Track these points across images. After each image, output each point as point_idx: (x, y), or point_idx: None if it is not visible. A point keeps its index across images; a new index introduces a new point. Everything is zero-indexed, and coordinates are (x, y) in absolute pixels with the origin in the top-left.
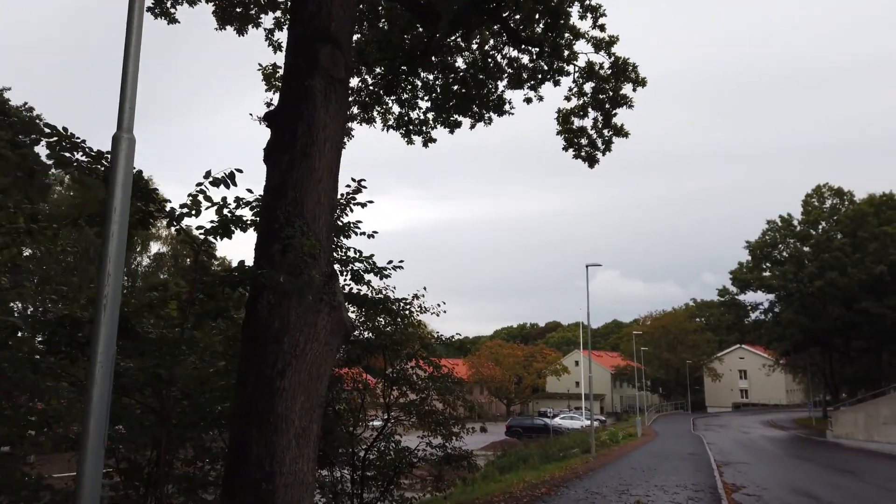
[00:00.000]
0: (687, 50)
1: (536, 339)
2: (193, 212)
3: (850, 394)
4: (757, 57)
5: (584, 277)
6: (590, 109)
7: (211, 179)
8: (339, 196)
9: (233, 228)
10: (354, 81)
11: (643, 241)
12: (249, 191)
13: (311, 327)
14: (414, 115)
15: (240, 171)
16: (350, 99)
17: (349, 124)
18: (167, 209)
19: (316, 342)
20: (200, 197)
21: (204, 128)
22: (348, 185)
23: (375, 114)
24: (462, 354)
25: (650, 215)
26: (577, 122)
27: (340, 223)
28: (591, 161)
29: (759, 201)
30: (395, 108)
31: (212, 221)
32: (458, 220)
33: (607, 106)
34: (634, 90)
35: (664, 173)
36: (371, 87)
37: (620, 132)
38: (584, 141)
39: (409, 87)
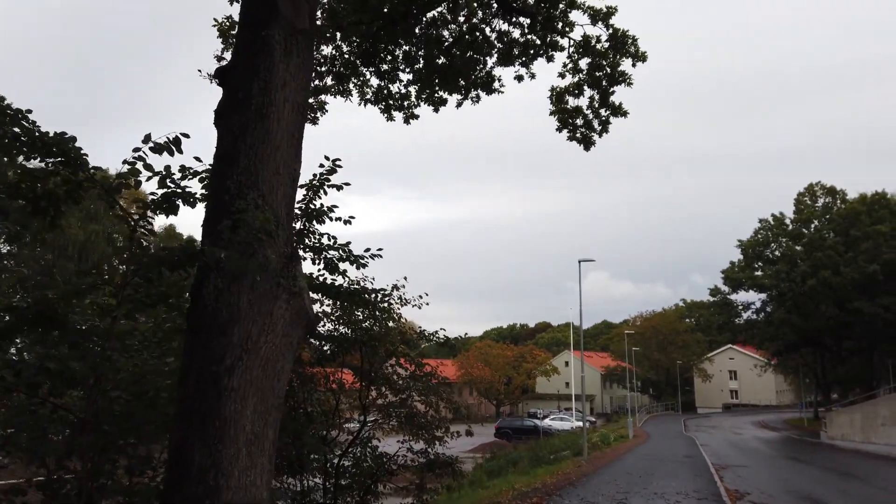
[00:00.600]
0: (678, 50)
1: (526, 339)
2: (131, 182)
3: (841, 394)
4: (748, 58)
5: (574, 278)
6: (585, 87)
7: (151, 145)
8: (312, 178)
9: (178, 203)
10: (328, 49)
11: (633, 241)
12: (198, 159)
13: (266, 316)
14: (394, 88)
15: (186, 135)
16: (324, 68)
17: (322, 97)
18: (100, 180)
19: (272, 334)
20: (140, 165)
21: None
22: (321, 165)
23: (352, 86)
24: (452, 355)
25: (640, 216)
26: (571, 102)
27: (313, 207)
28: (587, 143)
29: (749, 202)
30: (374, 81)
31: (152, 194)
32: (448, 219)
33: (604, 83)
34: (634, 65)
35: (654, 174)
36: (347, 56)
37: (618, 111)
38: (579, 121)
39: (389, 57)
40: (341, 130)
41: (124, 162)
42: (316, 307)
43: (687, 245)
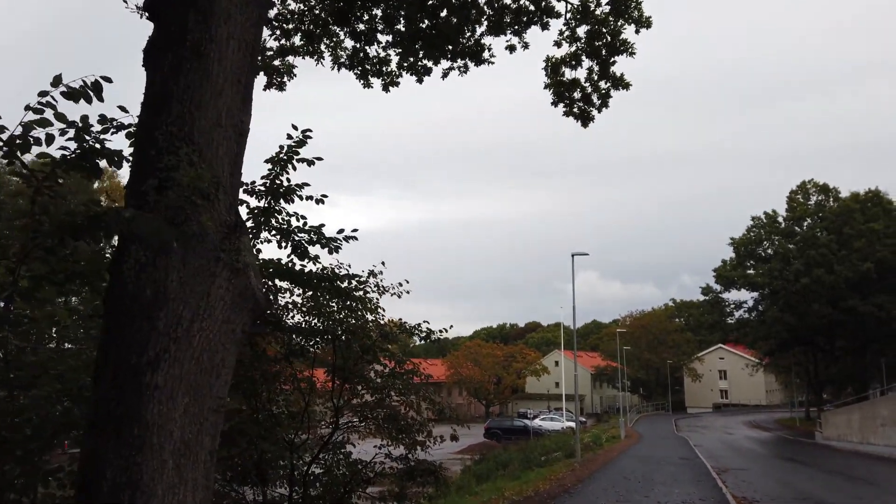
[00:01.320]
0: (667, 49)
1: (516, 339)
2: (40, 135)
3: (833, 394)
4: (738, 58)
5: (564, 278)
6: (584, 57)
7: (64, 89)
8: (279, 151)
9: (98, 162)
10: (295, 4)
11: (623, 242)
12: (123, 109)
13: (201, 298)
14: (372, 51)
15: (107, 79)
16: (291, 26)
17: (291, 59)
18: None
19: (208, 319)
20: (49, 114)
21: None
22: (289, 136)
23: (323, 47)
24: (441, 354)
25: (630, 216)
26: (568, 73)
27: (279, 183)
28: (585, 119)
29: (739, 204)
30: (349, 43)
31: (62, 149)
32: (440, 220)
33: (604, 53)
34: (637, 32)
35: (644, 175)
36: (317, 13)
37: (620, 83)
38: (576, 95)
39: (366, 16)
40: (334, 131)
41: (27, 108)
42: (285, 297)
43: (677, 246)
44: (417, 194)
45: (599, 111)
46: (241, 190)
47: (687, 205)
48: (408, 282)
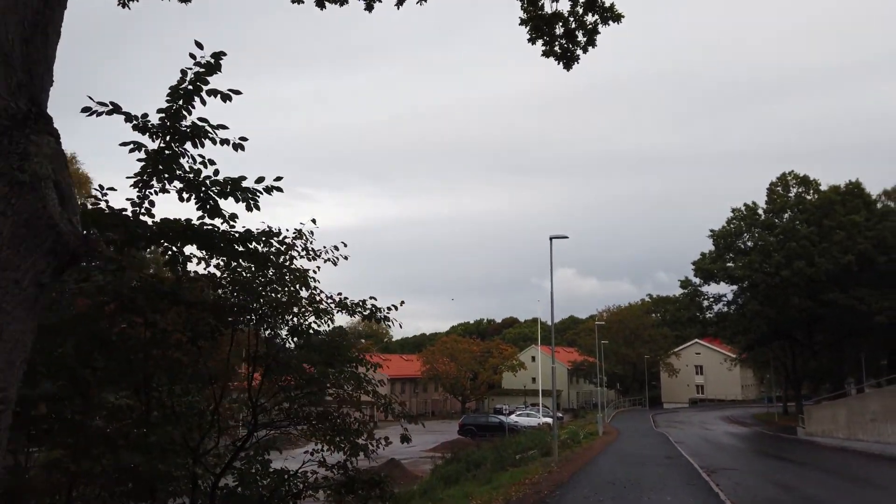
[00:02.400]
0: (647, 51)
1: (493, 335)
2: None
3: (811, 389)
4: (717, 59)
5: (542, 275)
6: None
7: None
8: (181, 77)
9: None
10: None
11: (600, 239)
12: None
13: None
14: None
15: None
16: None
17: None
18: None
19: None
20: None
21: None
22: (192, 57)
23: None
24: (386, 350)
25: (607, 214)
26: (548, 6)
27: (184, 118)
28: (568, 60)
29: (715, 202)
30: None
31: None
32: (416, 216)
33: None
34: None
35: (621, 173)
36: None
37: (610, 14)
38: (558, 30)
39: None
40: (311, 128)
41: None
42: (200, 268)
43: (652, 243)
44: (395, 190)
45: (585, 51)
46: (130, 125)
47: (663, 203)
48: (345, 244)
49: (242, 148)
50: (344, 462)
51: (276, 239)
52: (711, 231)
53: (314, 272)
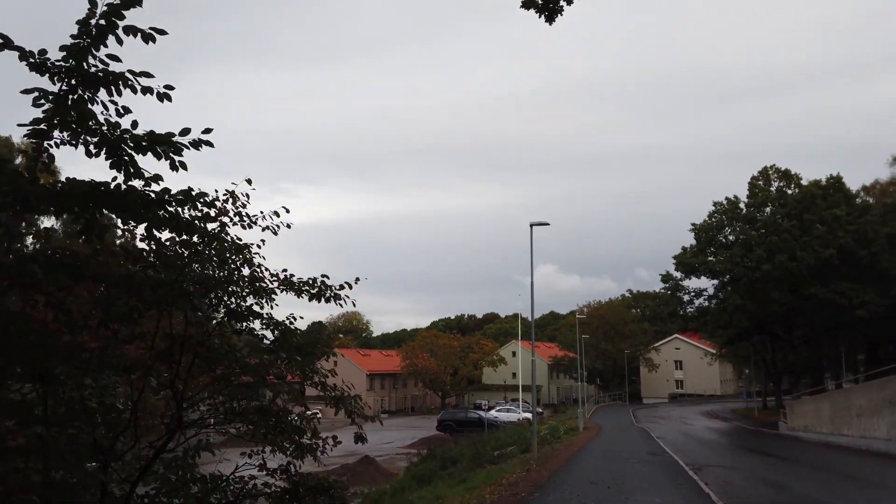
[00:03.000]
0: (627, 47)
1: (474, 330)
2: None
3: (791, 384)
4: (697, 56)
5: (523, 271)
6: None
7: None
8: (89, 10)
9: None
10: None
11: (581, 236)
12: None
13: None
14: None
15: None
16: None
17: None
18: None
19: None
20: None
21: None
22: None
23: None
24: (396, 346)
25: (588, 211)
26: None
27: (93, 61)
28: (551, 12)
29: (695, 199)
30: None
31: None
32: (398, 212)
33: None
34: None
35: (602, 171)
36: None
37: None
38: None
39: None
40: (290, 123)
41: None
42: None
43: (633, 240)
44: (377, 186)
45: (570, 2)
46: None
47: (644, 200)
48: (287, 210)
49: (169, 98)
50: (286, 466)
51: (203, 201)
52: (693, 225)
53: (258, 246)
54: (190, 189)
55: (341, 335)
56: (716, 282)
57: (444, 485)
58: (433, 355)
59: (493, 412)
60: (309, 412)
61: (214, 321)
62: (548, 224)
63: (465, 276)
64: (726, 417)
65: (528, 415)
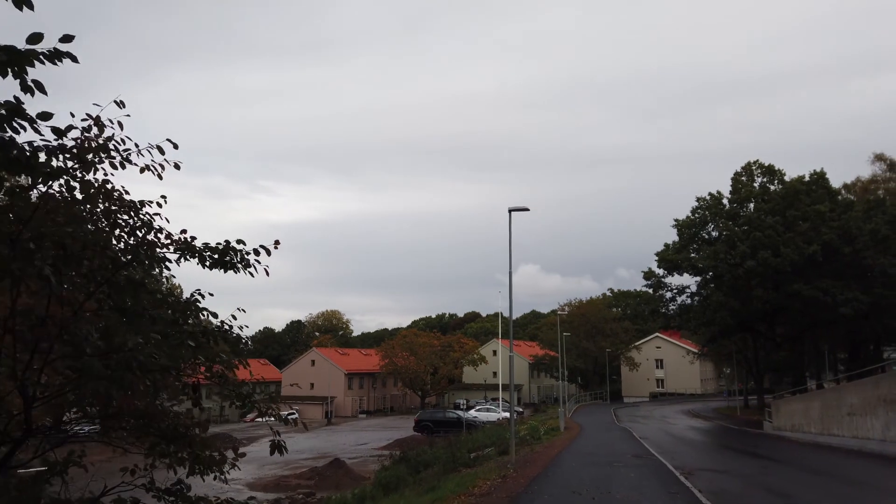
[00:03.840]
0: (608, 50)
1: (455, 329)
2: None
3: (774, 382)
4: (678, 59)
5: (504, 271)
6: None
7: None
8: None
9: None
10: None
11: (563, 237)
12: None
13: None
14: None
15: None
16: None
17: None
18: None
19: None
20: None
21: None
22: None
23: None
24: (376, 345)
25: (570, 212)
26: None
27: None
28: None
29: (676, 201)
30: None
31: None
32: (381, 211)
33: None
34: None
35: (584, 172)
36: None
37: None
38: None
39: None
40: (271, 120)
41: None
42: None
43: (614, 240)
44: (359, 184)
45: None
46: None
47: (625, 200)
48: (176, 146)
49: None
50: (176, 485)
51: (53, 129)
52: (676, 220)
53: (159, 205)
54: (18, 101)
55: (318, 333)
56: (698, 279)
57: (412, 493)
58: (413, 354)
59: (472, 412)
60: (284, 413)
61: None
62: (527, 210)
63: (447, 276)
64: (708, 416)
65: (509, 414)
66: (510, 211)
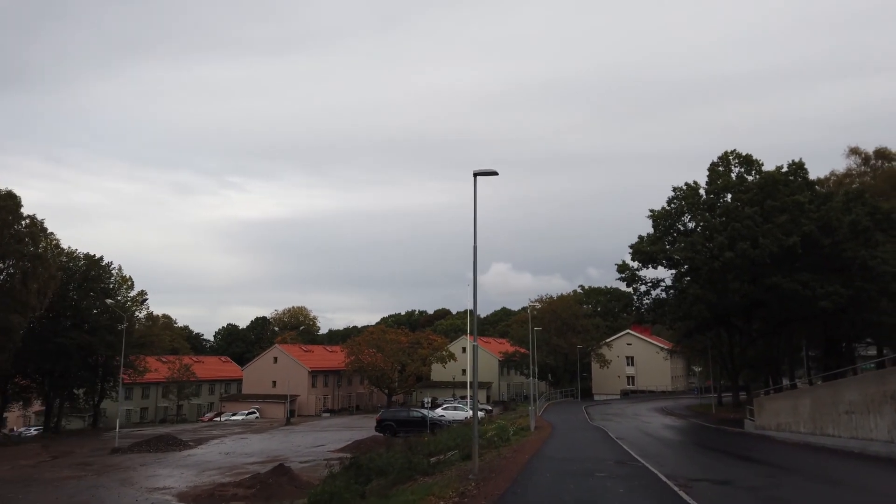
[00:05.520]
0: (583, 54)
1: (425, 326)
2: None
3: (749, 378)
4: (649, 62)
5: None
6: None
7: None
8: None
9: None
10: None
11: (534, 236)
12: None
13: None
14: None
15: None
16: None
17: None
18: None
19: None
20: None
21: (61, 100)
22: None
23: None
24: (342, 341)
25: (542, 212)
26: None
27: None
28: None
29: (645, 202)
30: None
31: None
32: (352, 209)
33: None
34: None
35: (555, 173)
36: None
37: None
38: None
39: None
40: (241, 115)
41: None
42: None
43: (585, 240)
44: (330, 182)
45: None
46: None
47: (596, 201)
48: None
49: None
50: None
51: None
52: (651, 211)
53: None
54: None
55: (276, 328)
56: (674, 271)
57: None
58: (380, 351)
59: (439, 410)
60: (244, 412)
61: None
62: (496, 174)
63: (419, 274)
64: (682, 414)
65: (479, 413)
66: (475, 175)
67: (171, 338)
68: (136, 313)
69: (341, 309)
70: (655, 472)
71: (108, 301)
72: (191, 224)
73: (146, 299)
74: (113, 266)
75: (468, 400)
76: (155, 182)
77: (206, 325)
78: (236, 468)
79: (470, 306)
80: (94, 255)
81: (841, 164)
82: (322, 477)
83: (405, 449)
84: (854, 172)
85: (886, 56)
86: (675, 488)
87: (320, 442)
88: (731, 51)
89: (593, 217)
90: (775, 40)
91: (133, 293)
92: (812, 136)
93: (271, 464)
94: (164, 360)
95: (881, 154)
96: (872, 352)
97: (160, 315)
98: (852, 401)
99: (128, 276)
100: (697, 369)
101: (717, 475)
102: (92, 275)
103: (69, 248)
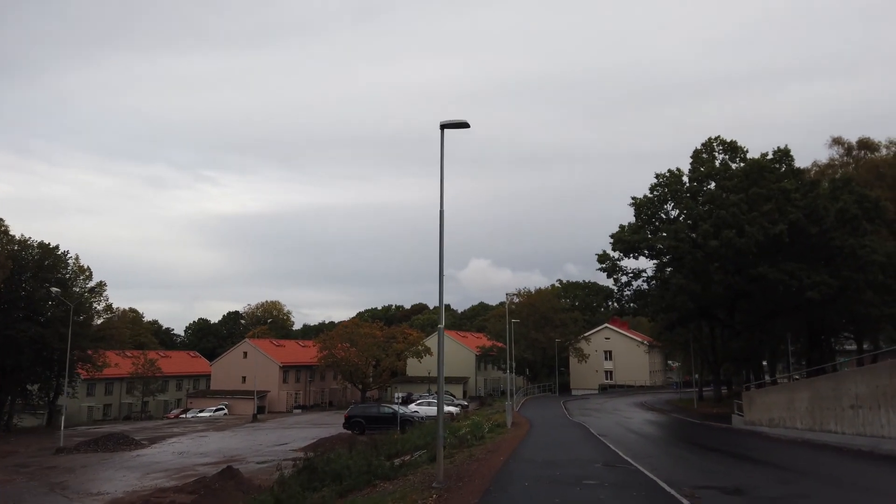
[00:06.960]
0: (560, 51)
1: (402, 321)
2: None
3: (731, 372)
4: (631, 62)
5: (457, 265)
6: None
7: None
8: None
9: None
10: None
11: (513, 232)
12: None
13: None
14: None
15: None
16: None
17: None
18: None
19: None
20: None
21: (32, 90)
22: None
23: None
24: (314, 336)
25: (521, 209)
26: None
27: None
28: None
29: (624, 198)
30: None
31: None
32: (329, 203)
33: None
34: None
35: (533, 170)
36: None
37: None
38: None
39: None
40: (215, 109)
41: None
42: None
43: (563, 236)
44: (307, 176)
45: None
46: None
47: (575, 197)
48: None
49: None
50: None
51: None
52: (633, 199)
53: None
54: None
55: (243, 322)
56: (656, 261)
57: None
58: (354, 345)
59: (412, 406)
60: (212, 408)
61: None
62: (467, 126)
63: (396, 270)
64: (663, 409)
65: (453, 408)
66: (442, 127)
67: (135, 332)
68: (95, 305)
69: (318, 304)
70: (653, 477)
71: (54, 290)
72: (165, 218)
73: (105, 290)
74: (69, 255)
75: (440, 395)
76: (128, 175)
77: (181, 320)
78: (185, 470)
79: (448, 301)
80: (49, 244)
81: (823, 155)
82: (270, 481)
83: (370, 448)
84: (836, 163)
85: (859, 56)
86: (681, 498)
87: (284, 440)
88: (706, 51)
89: (572, 214)
90: (761, 40)
91: (91, 284)
92: (796, 134)
93: (225, 464)
94: (127, 354)
95: (864, 144)
96: (852, 346)
97: (127, 309)
98: (860, 394)
99: (86, 267)
100: (676, 364)
101: (723, 481)
102: (46, 264)
103: (22, 235)
